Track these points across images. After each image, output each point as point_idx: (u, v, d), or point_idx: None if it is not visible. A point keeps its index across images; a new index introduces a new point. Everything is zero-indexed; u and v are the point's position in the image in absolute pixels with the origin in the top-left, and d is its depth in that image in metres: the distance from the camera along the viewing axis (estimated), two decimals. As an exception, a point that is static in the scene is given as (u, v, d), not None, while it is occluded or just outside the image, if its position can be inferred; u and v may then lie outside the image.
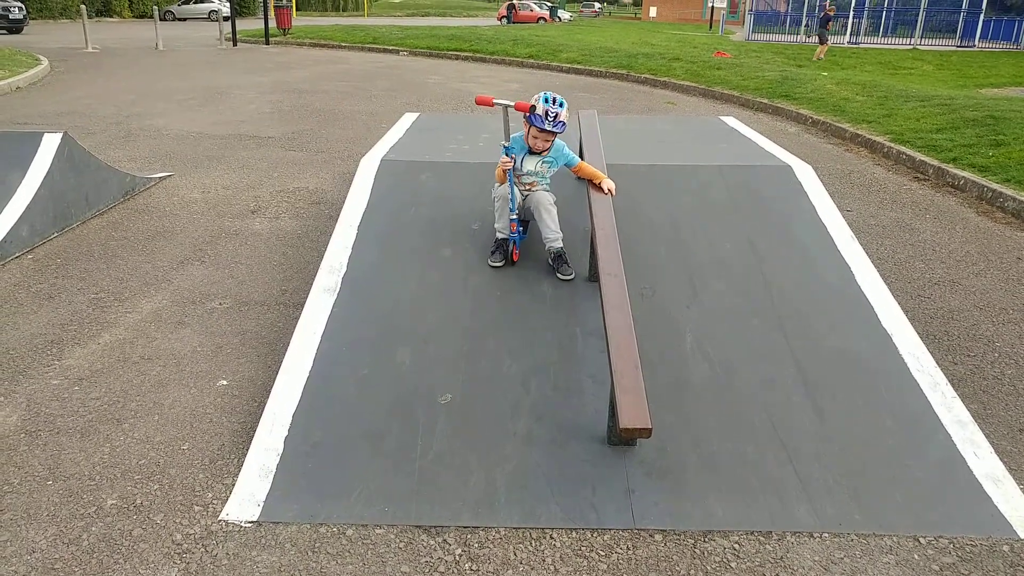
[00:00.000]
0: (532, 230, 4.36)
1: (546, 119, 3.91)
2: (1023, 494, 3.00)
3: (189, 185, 7.15)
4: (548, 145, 4.08)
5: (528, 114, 3.88)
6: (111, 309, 4.57)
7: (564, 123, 3.96)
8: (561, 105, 3.91)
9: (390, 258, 4.27)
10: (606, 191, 4.11)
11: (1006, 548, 2.76)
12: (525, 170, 4.13)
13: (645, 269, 4.16)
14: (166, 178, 7.36)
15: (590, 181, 4.25)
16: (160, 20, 21.46)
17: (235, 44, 20.91)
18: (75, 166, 6.02)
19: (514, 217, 4.07)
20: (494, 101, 3.97)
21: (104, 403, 3.60)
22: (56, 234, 5.72)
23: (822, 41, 21.08)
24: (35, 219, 5.50)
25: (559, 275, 4.09)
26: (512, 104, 3.92)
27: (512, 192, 4.05)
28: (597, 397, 3.35)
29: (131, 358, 4.01)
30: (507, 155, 4.01)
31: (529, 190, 4.18)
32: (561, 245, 4.12)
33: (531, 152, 4.10)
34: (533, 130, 3.97)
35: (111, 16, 38.99)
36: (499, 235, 4.19)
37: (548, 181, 4.24)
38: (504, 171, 4.05)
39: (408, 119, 6.81)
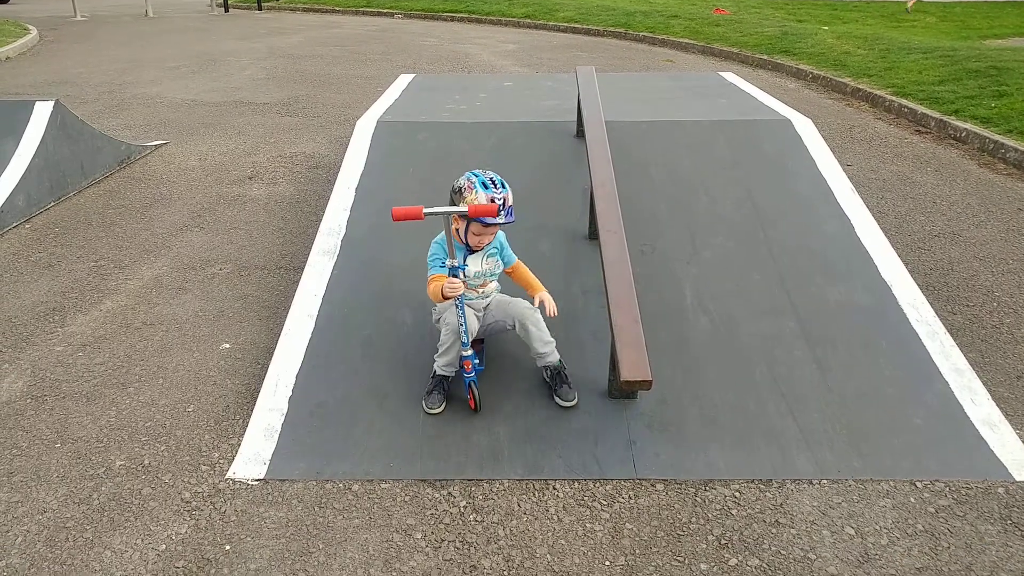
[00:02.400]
0: (499, 343, 3.48)
1: (498, 213, 2.96)
2: (1019, 439, 3.03)
3: (185, 152, 7.11)
4: (492, 237, 3.15)
5: (471, 218, 2.97)
6: (111, 276, 4.58)
7: (512, 207, 3.04)
8: (503, 187, 3.01)
9: (388, 219, 4.23)
10: (547, 308, 3.15)
11: (1001, 490, 2.80)
12: (472, 274, 3.16)
13: (645, 226, 4.15)
14: (162, 146, 7.31)
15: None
16: (150, -13, 21.08)
17: (227, 10, 20.61)
18: (69, 135, 5.98)
19: (468, 353, 3.09)
20: (424, 211, 2.90)
21: (108, 368, 3.62)
22: (53, 203, 5.71)
23: None
24: (31, 189, 5.48)
25: (558, 399, 3.16)
26: (461, 209, 2.94)
27: (464, 322, 3.04)
28: (598, 353, 3.36)
29: (133, 324, 4.03)
30: (456, 275, 3.01)
31: (483, 295, 3.26)
32: (558, 358, 3.20)
33: (471, 250, 3.15)
34: (475, 226, 3.04)
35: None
36: (440, 372, 3.19)
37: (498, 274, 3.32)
38: (454, 295, 2.99)
39: (404, 80, 6.76)
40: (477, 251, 3.14)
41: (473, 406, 3.13)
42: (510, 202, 3.01)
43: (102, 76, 10.89)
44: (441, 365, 3.18)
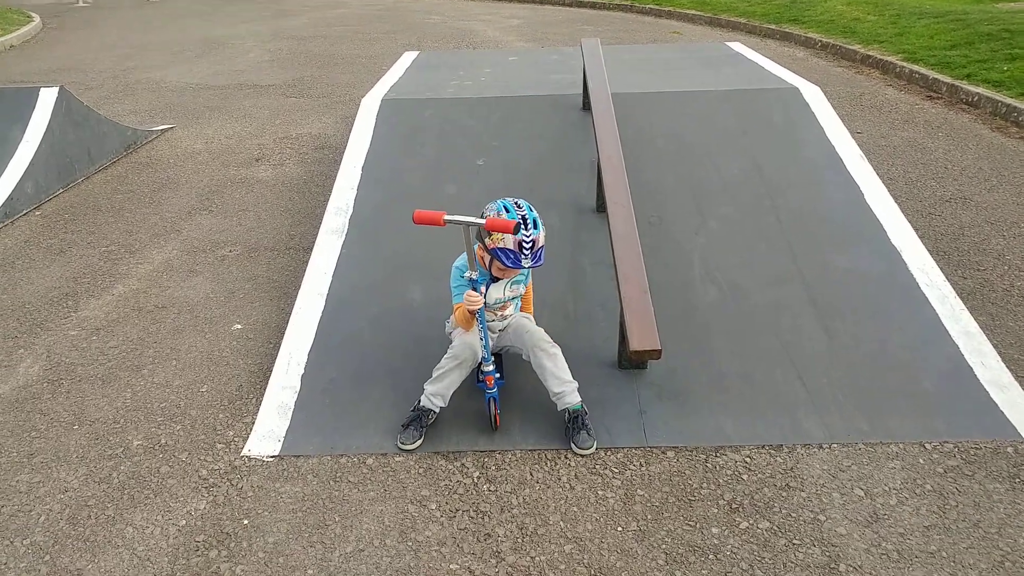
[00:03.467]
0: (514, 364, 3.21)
1: (522, 254, 2.71)
2: (1030, 399, 3.03)
3: (192, 136, 7.12)
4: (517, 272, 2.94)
5: (494, 249, 2.74)
6: (122, 261, 4.62)
7: (543, 249, 2.78)
8: (536, 226, 2.72)
9: (396, 197, 4.26)
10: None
11: (1010, 450, 2.81)
12: (492, 299, 2.95)
13: (653, 197, 4.14)
14: (168, 130, 7.33)
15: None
16: (152, -28, 20.98)
17: (229, -7, 20.51)
18: (74, 121, 6.00)
19: (489, 369, 2.89)
20: (444, 218, 2.70)
21: (122, 351, 3.66)
22: (61, 190, 5.74)
23: None
24: (39, 175, 5.52)
25: (574, 445, 2.86)
26: (480, 221, 2.70)
27: (485, 335, 2.86)
28: (607, 325, 3.38)
29: (145, 307, 4.07)
30: (476, 288, 2.79)
31: (501, 318, 3.04)
32: (579, 400, 2.91)
33: (494, 279, 2.93)
34: (496, 264, 2.82)
35: (102, -29, 38.18)
36: (425, 402, 2.93)
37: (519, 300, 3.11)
38: (472, 314, 2.80)
39: (408, 58, 6.73)
40: (498, 278, 2.92)
41: (499, 423, 2.95)
42: (541, 243, 2.73)
43: (106, 62, 10.89)
44: (430, 393, 2.92)
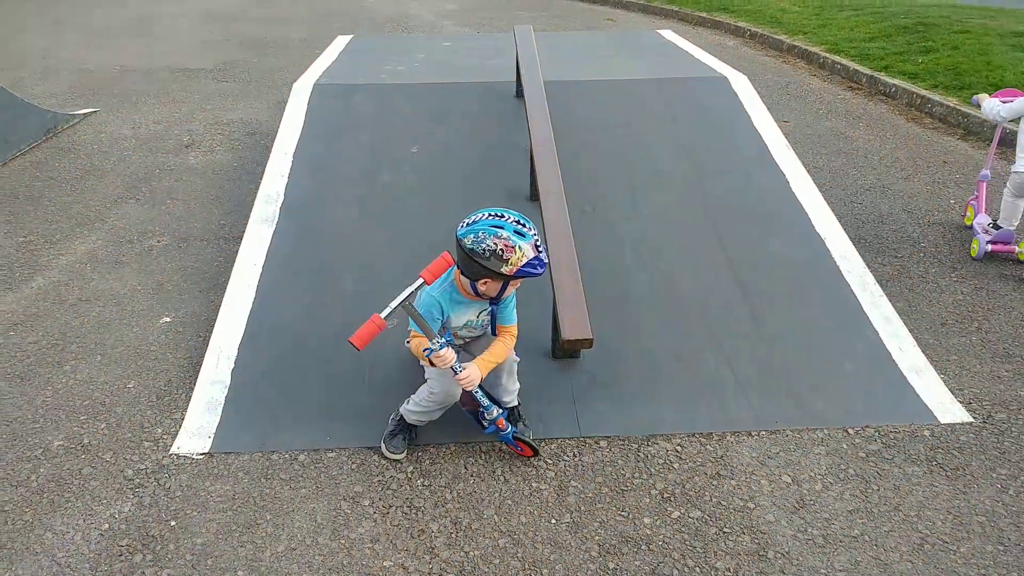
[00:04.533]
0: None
1: (538, 253, 2.51)
2: (943, 383, 3.18)
3: (117, 121, 6.85)
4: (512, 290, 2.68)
5: (516, 271, 2.46)
6: (42, 252, 4.43)
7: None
8: (529, 223, 2.55)
9: (328, 185, 4.20)
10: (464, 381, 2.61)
11: (927, 433, 2.95)
12: (463, 323, 2.74)
13: (586, 185, 4.17)
14: (91, 114, 7.03)
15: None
16: (70, -54, 20.04)
17: (154, -30, 19.76)
18: (-11, 104, 5.71)
19: (496, 413, 2.71)
20: (383, 317, 2.48)
21: (42, 347, 3.52)
22: (-24, 177, 5.47)
23: None
24: (-49, 162, 5.24)
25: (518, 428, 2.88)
26: (416, 285, 2.54)
27: (483, 395, 2.70)
28: (541, 314, 3.39)
29: (68, 300, 3.92)
30: (442, 348, 2.53)
31: (468, 343, 2.89)
32: (518, 402, 2.95)
33: (467, 301, 2.69)
34: (517, 282, 2.58)
35: (16, -57, 36.27)
36: (411, 421, 2.84)
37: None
38: (443, 367, 2.57)
39: (341, 42, 6.61)
40: (478, 302, 2.68)
41: (531, 453, 2.80)
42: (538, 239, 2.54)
43: (24, 42, 10.37)
44: (415, 420, 2.81)
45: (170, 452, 2.85)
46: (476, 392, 2.65)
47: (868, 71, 8.10)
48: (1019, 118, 4.22)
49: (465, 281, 2.60)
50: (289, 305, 3.49)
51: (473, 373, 2.58)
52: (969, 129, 6.49)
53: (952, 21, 9.16)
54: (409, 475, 2.74)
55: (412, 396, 2.82)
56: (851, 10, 10.70)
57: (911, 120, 6.89)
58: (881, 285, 3.66)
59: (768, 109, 4.90)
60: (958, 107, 6.69)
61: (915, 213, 4.92)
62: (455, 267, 2.61)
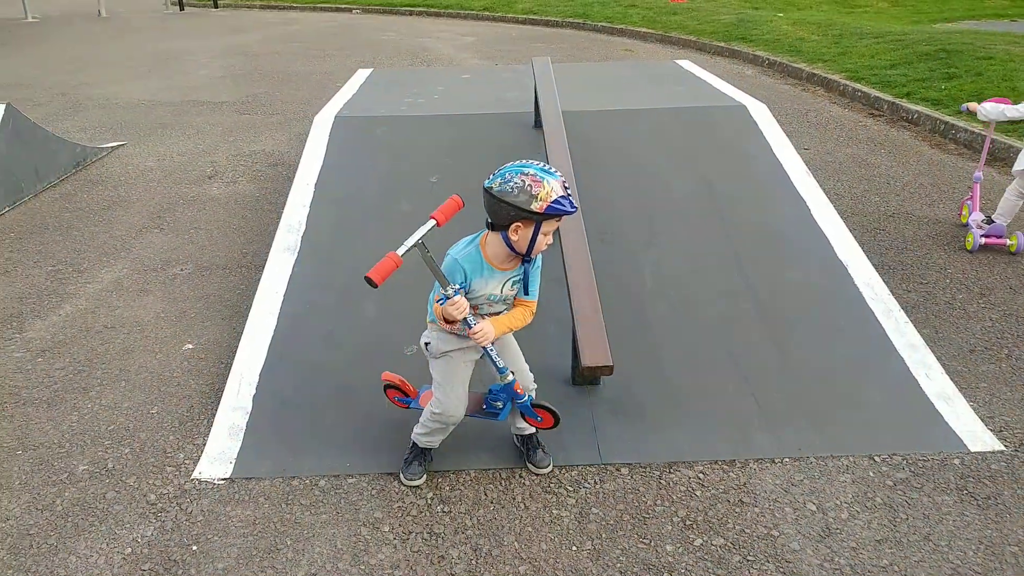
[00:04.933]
0: None
1: (570, 198, 2.39)
2: (972, 411, 3.12)
3: (143, 153, 7.00)
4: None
5: (547, 207, 2.33)
6: (70, 280, 4.51)
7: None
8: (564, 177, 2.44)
9: (349, 215, 4.25)
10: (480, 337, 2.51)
11: (956, 461, 2.89)
12: (485, 294, 2.55)
13: (605, 213, 4.18)
14: (119, 147, 7.19)
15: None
16: (102, -15, 20.64)
17: (182, 8, 20.26)
18: (21, 138, 5.85)
19: (510, 379, 2.66)
20: (399, 254, 2.48)
21: (69, 373, 3.57)
22: (8, 209, 5.59)
23: None
24: (-16, 194, 5.37)
25: (532, 465, 2.86)
26: (428, 226, 2.53)
27: (494, 357, 2.60)
28: (561, 341, 3.39)
29: (94, 327, 3.98)
30: (456, 295, 2.45)
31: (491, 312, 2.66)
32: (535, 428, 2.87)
33: (491, 269, 2.53)
34: (549, 223, 2.42)
35: (50, -16, 37.31)
36: (423, 446, 2.83)
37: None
38: (460, 317, 2.45)
39: (361, 75, 6.72)
40: (502, 272, 2.54)
41: (552, 421, 2.78)
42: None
43: (55, 78, 10.66)
44: (424, 443, 2.81)
45: (192, 477, 2.87)
46: (490, 350, 2.55)
47: (890, 98, 8.10)
48: (1005, 119, 4.66)
49: (493, 244, 2.49)
50: (310, 332, 3.52)
51: (487, 328, 2.48)
52: (995, 155, 6.44)
53: (975, 47, 9.15)
54: (429, 501, 2.73)
55: (419, 421, 2.82)
56: (871, 38, 10.73)
57: (935, 146, 6.87)
58: (907, 312, 3.62)
59: (788, 137, 4.90)
60: (983, 133, 6.65)
61: (941, 239, 4.88)
62: (481, 233, 2.53)
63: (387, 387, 2.97)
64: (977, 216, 4.80)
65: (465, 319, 2.46)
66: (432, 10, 18.14)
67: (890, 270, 4.42)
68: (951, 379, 3.28)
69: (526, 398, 2.72)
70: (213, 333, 3.90)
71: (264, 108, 8.70)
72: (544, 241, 2.46)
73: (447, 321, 2.51)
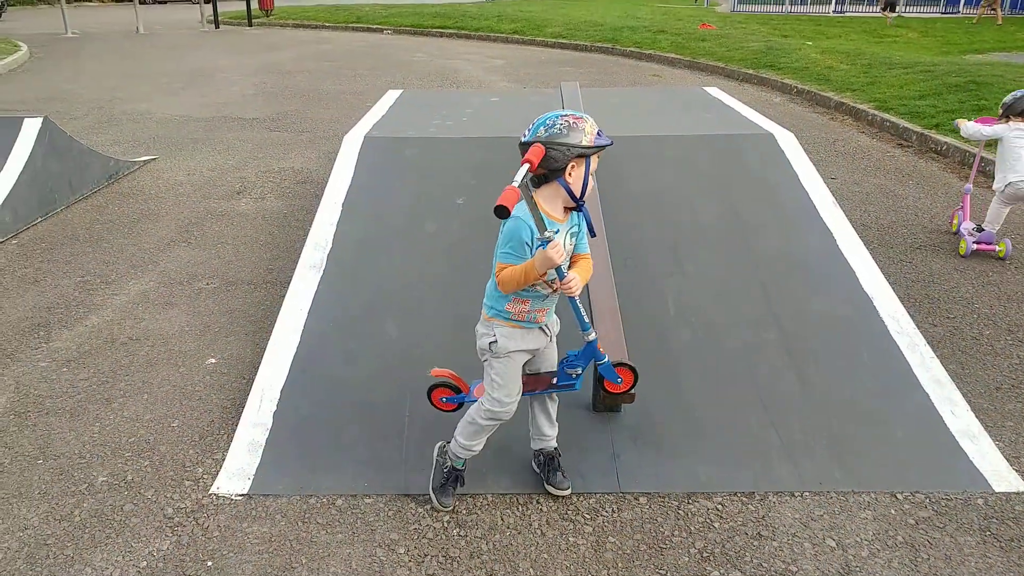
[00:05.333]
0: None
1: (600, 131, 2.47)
2: (998, 450, 3.06)
3: (174, 168, 7.12)
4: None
5: (595, 139, 2.42)
6: (98, 292, 4.58)
7: None
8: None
9: (375, 234, 4.28)
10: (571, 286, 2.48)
11: (980, 501, 2.83)
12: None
13: (629, 239, 4.18)
14: (150, 161, 7.33)
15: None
16: (140, 3, 21.17)
17: (217, 26, 20.69)
18: (57, 151, 5.99)
19: (592, 337, 2.65)
20: (516, 185, 2.35)
21: (93, 384, 3.62)
22: (40, 219, 5.70)
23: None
24: (18, 204, 5.48)
25: (552, 487, 2.84)
26: (526, 168, 2.41)
27: (574, 305, 2.56)
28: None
29: (119, 339, 4.03)
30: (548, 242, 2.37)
31: (553, 300, 2.65)
32: (556, 444, 2.90)
33: (556, 222, 2.50)
34: (594, 160, 2.48)
35: (90, 1, 38.31)
36: (460, 458, 2.78)
37: None
38: (558, 261, 2.38)
39: (391, 96, 6.78)
40: (560, 224, 2.50)
41: (633, 380, 2.76)
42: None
43: (92, 92, 10.91)
44: (464, 445, 2.71)
45: (210, 492, 2.88)
46: (577, 304, 2.53)
47: (919, 129, 8.05)
48: (996, 141, 5.05)
49: (549, 196, 2.48)
50: (333, 350, 3.54)
51: (577, 277, 2.45)
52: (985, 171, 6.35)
53: (1005, 80, 9.09)
54: (445, 524, 2.71)
55: (461, 426, 2.74)
56: (900, 68, 10.69)
57: (963, 178, 6.79)
58: (932, 347, 3.57)
59: (815, 166, 4.87)
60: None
61: (968, 273, 4.81)
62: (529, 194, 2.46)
63: (434, 389, 2.85)
64: (968, 224, 5.19)
65: (559, 268, 2.40)
66: (462, 32, 18.37)
67: (916, 303, 4.37)
68: (976, 417, 3.22)
69: (606, 359, 2.67)
70: (236, 348, 3.94)
71: (294, 126, 8.82)
72: (592, 183, 2.50)
73: (530, 280, 2.42)
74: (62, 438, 3.21)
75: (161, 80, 11.94)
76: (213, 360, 3.83)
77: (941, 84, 9.38)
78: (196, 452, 3.12)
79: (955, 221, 5.50)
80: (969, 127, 5.18)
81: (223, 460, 3.04)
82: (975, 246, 5.07)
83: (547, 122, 2.44)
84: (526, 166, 2.41)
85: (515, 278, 2.45)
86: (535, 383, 2.76)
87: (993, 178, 5.17)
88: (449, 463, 2.78)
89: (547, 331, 2.70)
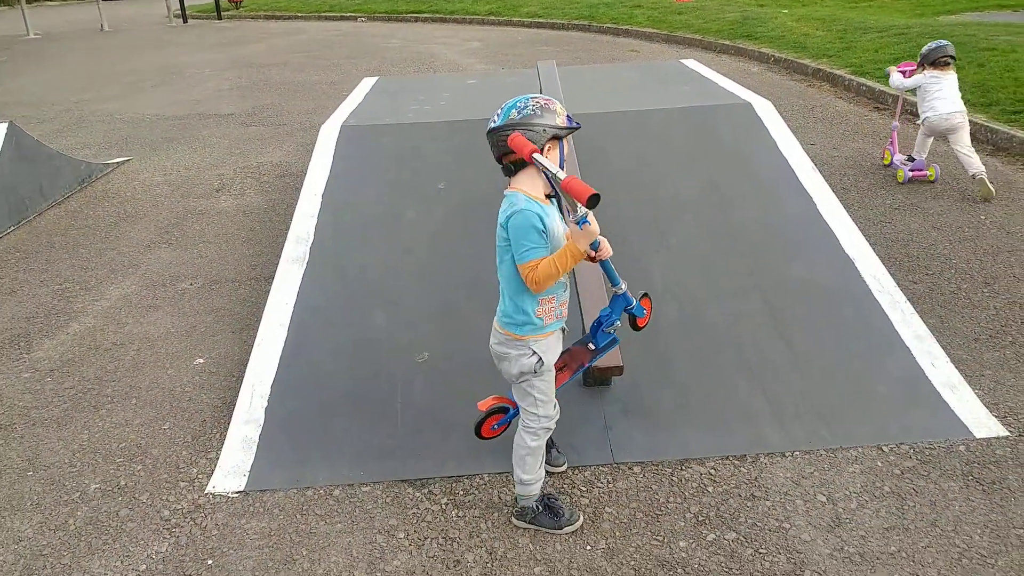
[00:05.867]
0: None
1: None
2: (978, 398, 3.13)
3: (149, 168, 7.05)
4: None
5: (566, 119, 2.42)
6: (77, 298, 4.54)
7: None
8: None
9: (357, 224, 4.26)
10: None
11: (962, 448, 2.89)
12: (560, 233, 2.44)
13: (612, 215, 4.16)
14: (124, 163, 7.24)
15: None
16: (103, 0, 20.80)
17: (185, 21, 20.40)
18: (25, 156, 5.90)
19: (629, 297, 2.66)
20: (534, 156, 2.31)
21: (78, 391, 3.59)
22: (12, 228, 5.63)
23: None
24: (-9, 214, 5.42)
25: (548, 465, 2.80)
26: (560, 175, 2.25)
27: (608, 267, 2.59)
28: (571, 342, 3.38)
29: (103, 345, 4.00)
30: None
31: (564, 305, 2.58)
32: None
33: (547, 207, 2.44)
34: (566, 142, 2.47)
35: (51, 0, 37.56)
36: (537, 494, 2.60)
37: None
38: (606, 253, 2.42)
39: (367, 84, 6.73)
40: (548, 206, 2.43)
41: (650, 307, 2.77)
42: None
43: (59, 94, 10.75)
44: (531, 480, 2.55)
45: (206, 491, 2.88)
46: (608, 262, 2.50)
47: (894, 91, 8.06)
48: (916, 88, 5.74)
49: (529, 183, 2.38)
50: (320, 343, 3.53)
51: (603, 238, 2.35)
52: (998, 145, 6.41)
53: (978, 39, 9.11)
54: (443, 506, 2.73)
55: (516, 463, 2.55)
56: (875, 32, 10.70)
57: (938, 138, 6.81)
58: (912, 303, 3.61)
59: (794, 133, 4.88)
60: (987, 124, 6.63)
61: (945, 230, 4.86)
62: (510, 192, 2.42)
63: (485, 419, 2.72)
64: (900, 157, 5.95)
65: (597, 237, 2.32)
66: (437, 16, 18.20)
67: (896, 262, 4.41)
68: (956, 368, 3.28)
69: (634, 301, 2.66)
70: (224, 347, 3.92)
71: (271, 119, 8.74)
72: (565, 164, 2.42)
73: (575, 261, 2.31)
74: (50, 448, 3.19)
75: (130, 79, 11.77)
76: (201, 360, 3.81)
77: (915, 46, 9.36)
78: (189, 453, 3.11)
79: (887, 156, 6.14)
80: (894, 80, 5.91)
81: (217, 459, 3.03)
82: (911, 174, 5.73)
83: (518, 104, 2.38)
84: (540, 156, 2.31)
85: (552, 270, 2.28)
86: (572, 361, 2.72)
87: (917, 116, 5.91)
88: (533, 507, 2.58)
89: (565, 327, 2.61)
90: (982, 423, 3.01)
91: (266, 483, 2.90)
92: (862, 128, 7.30)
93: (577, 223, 2.25)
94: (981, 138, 6.59)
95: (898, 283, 3.69)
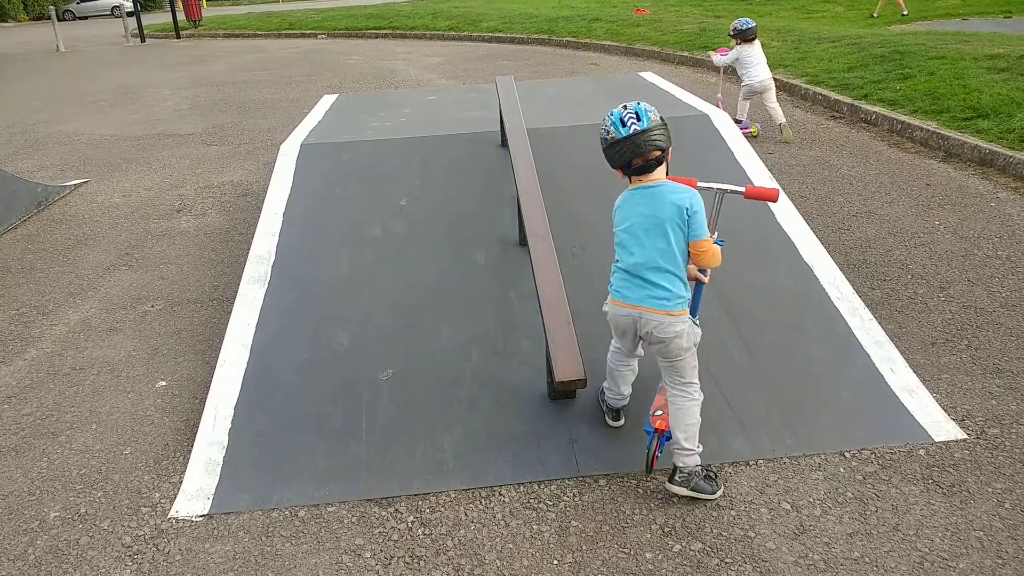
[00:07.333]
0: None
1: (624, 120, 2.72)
2: (936, 402, 3.20)
3: (108, 190, 6.95)
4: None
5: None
6: (35, 324, 4.45)
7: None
8: (640, 117, 2.69)
9: (319, 242, 4.24)
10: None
11: (922, 452, 2.95)
12: None
13: (574, 228, 4.22)
14: (82, 185, 7.13)
15: None
16: (59, 20, 20.51)
17: (143, 40, 20.19)
18: (-19, 180, 5.79)
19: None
20: (699, 185, 2.96)
21: (36, 418, 3.52)
22: (-30, 253, 5.52)
23: None
24: (-55, 239, 5.29)
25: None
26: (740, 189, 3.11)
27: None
28: (536, 356, 3.41)
29: (61, 370, 3.93)
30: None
31: None
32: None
33: None
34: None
35: (5, 21, 36.87)
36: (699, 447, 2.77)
37: None
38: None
39: (327, 101, 6.73)
40: None
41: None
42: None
43: (13, 116, 10.56)
44: (699, 451, 2.77)
45: (169, 516, 2.83)
46: (702, 290, 3.02)
47: (849, 100, 8.27)
48: (734, 63, 7.16)
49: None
50: (284, 363, 3.51)
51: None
52: (950, 151, 6.59)
53: (927, 48, 9.37)
54: (410, 525, 2.72)
55: (689, 436, 2.72)
56: (828, 42, 10.95)
57: (893, 145, 7.01)
58: (871, 309, 3.69)
59: (751, 143, 4.98)
60: (938, 131, 6.81)
61: (901, 236, 4.97)
62: (664, 183, 2.81)
63: (654, 437, 2.85)
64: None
65: None
66: (397, 32, 18.24)
67: (855, 268, 4.50)
68: (915, 372, 3.35)
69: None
70: (186, 369, 3.87)
71: (231, 138, 8.68)
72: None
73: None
74: (8, 476, 3.12)
75: (87, 99, 11.61)
76: (163, 383, 3.76)
77: (867, 56, 9.63)
78: (152, 477, 3.07)
79: None
80: (716, 59, 7.36)
81: (180, 483, 2.99)
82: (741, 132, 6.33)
83: (645, 107, 2.66)
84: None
85: (701, 265, 2.81)
86: None
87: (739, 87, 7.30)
88: (698, 471, 2.74)
89: None
90: (941, 426, 3.08)
91: (231, 506, 2.87)
92: (819, 136, 7.46)
93: (715, 242, 2.73)
94: (933, 145, 6.77)
95: (856, 289, 3.78)
